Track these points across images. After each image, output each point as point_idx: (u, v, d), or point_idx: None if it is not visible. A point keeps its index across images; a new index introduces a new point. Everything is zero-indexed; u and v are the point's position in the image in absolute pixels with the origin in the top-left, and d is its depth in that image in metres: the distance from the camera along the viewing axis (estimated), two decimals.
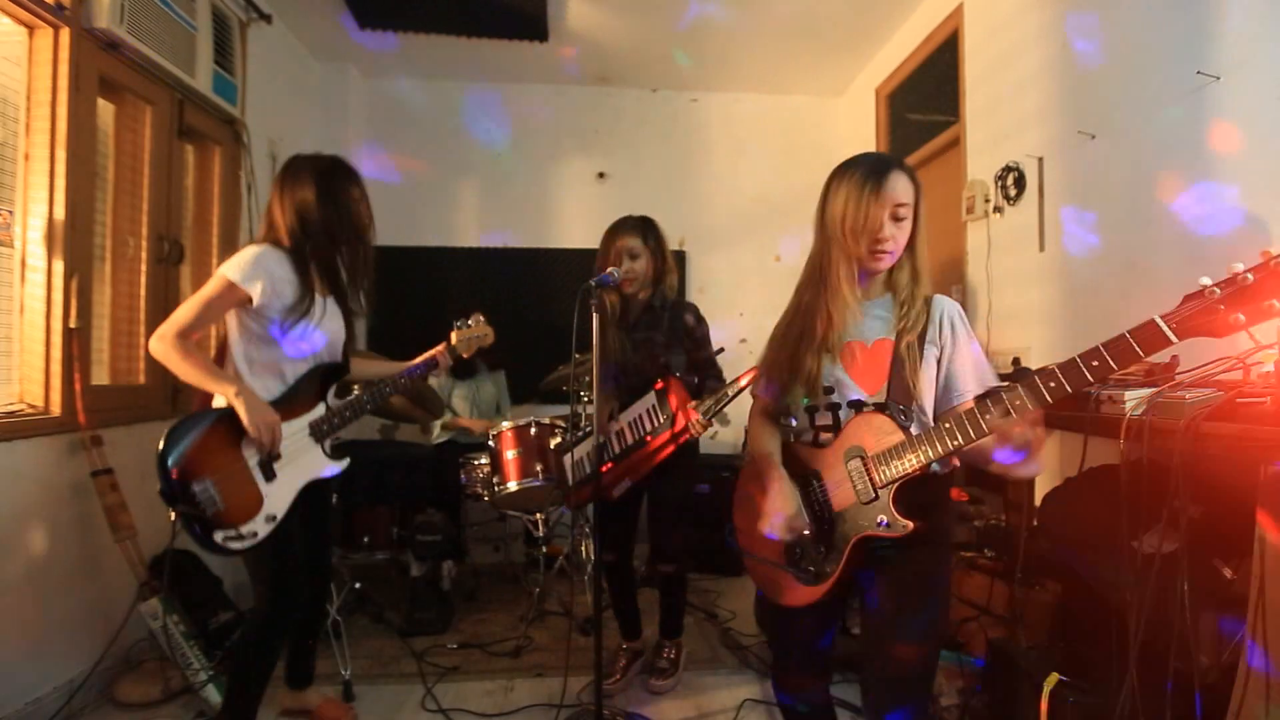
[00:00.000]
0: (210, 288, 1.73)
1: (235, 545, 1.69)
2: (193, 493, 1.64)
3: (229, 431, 1.72)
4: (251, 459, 1.76)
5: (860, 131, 4.24)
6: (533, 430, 2.87)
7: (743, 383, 1.97)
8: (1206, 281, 1.00)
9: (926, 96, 3.56)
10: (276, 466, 1.79)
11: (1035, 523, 2.03)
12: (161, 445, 1.65)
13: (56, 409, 2.22)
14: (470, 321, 2.23)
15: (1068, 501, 1.85)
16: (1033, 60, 2.64)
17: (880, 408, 1.31)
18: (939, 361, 1.35)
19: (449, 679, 2.44)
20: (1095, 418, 1.48)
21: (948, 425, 1.20)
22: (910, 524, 1.25)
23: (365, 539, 3.22)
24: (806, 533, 1.37)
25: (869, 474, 1.29)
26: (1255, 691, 1.20)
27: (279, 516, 1.77)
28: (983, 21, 3.00)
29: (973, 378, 1.33)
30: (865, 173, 1.30)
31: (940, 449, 1.20)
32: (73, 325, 2.25)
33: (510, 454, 2.87)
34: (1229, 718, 1.25)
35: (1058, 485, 1.95)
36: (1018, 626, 1.94)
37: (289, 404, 1.83)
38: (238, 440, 1.73)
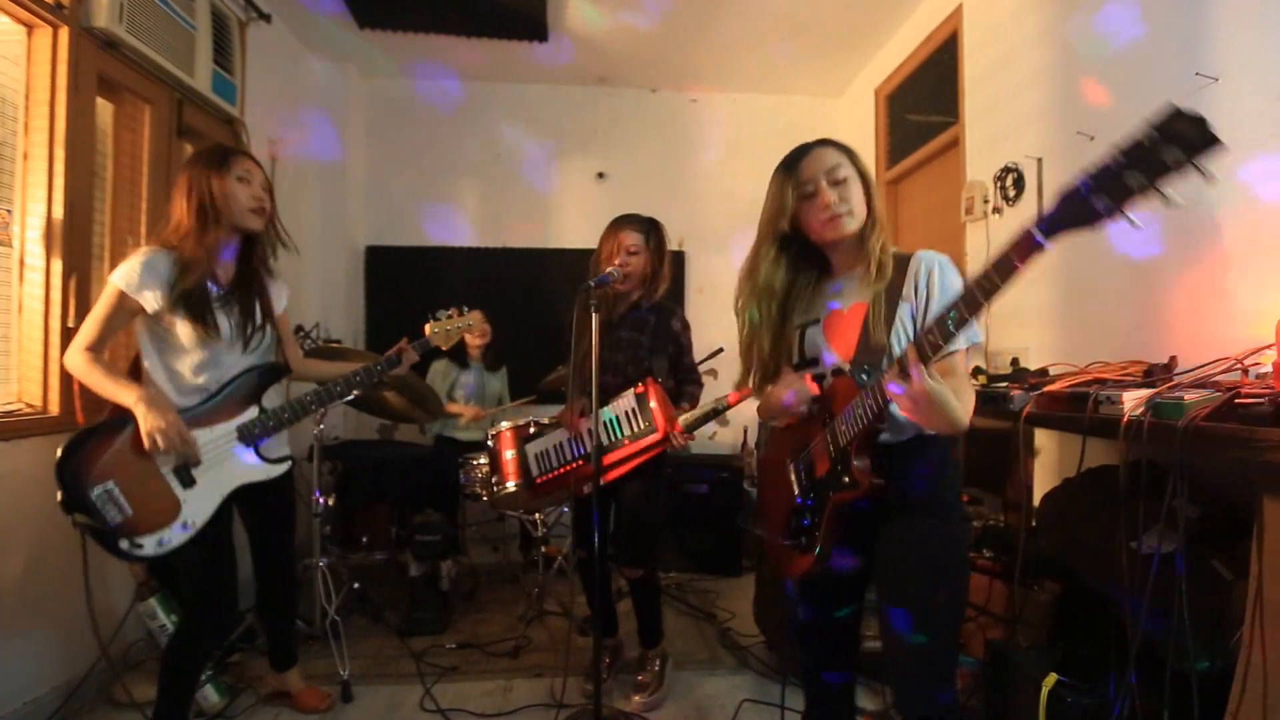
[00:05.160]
0: (103, 301, 1.69)
1: (139, 553, 1.66)
2: (91, 501, 1.61)
3: (139, 438, 1.66)
4: (165, 465, 1.70)
5: (859, 132, 4.23)
6: (532, 430, 2.87)
7: (732, 402, 1.94)
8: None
9: (926, 97, 3.56)
10: (196, 473, 1.73)
11: (1034, 523, 2.03)
12: (59, 454, 1.63)
13: (55, 408, 2.22)
14: (448, 312, 2.22)
15: (1066, 502, 1.86)
16: (1032, 61, 2.64)
17: (849, 370, 1.31)
18: (914, 317, 1.30)
19: (448, 679, 2.44)
20: (1093, 418, 1.48)
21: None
22: (868, 480, 1.22)
23: (364, 539, 3.21)
24: (802, 407, 1.37)
25: (836, 436, 1.28)
26: (1254, 691, 1.20)
27: (199, 523, 1.72)
28: (982, 22, 3.00)
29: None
30: (780, 169, 1.41)
31: (880, 398, 1.16)
32: (71, 325, 2.24)
33: (509, 454, 2.85)
34: (1227, 718, 1.25)
35: (1056, 486, 1.95)
36: (1016, 627, 1.94)
37: (212, 410, 1.77)
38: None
